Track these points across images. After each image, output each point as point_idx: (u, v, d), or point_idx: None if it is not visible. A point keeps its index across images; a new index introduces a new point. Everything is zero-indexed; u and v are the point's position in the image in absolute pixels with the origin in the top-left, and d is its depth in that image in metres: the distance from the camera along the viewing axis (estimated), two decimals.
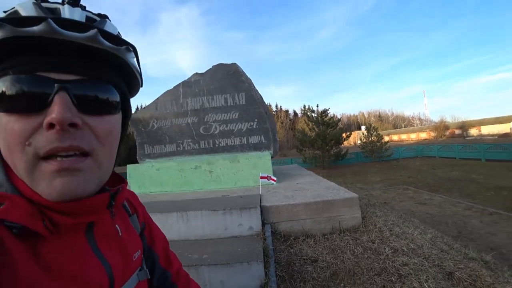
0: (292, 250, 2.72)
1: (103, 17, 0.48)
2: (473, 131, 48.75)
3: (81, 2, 0.46)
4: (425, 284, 2.06)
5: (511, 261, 4.86)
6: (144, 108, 5.58)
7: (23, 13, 0.39)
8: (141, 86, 0.57)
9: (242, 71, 5.27)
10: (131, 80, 0.53)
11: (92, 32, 0.40)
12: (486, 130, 47.01)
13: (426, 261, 2.36)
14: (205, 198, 3.77)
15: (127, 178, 4.87)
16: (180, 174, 4.72)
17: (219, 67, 5.27)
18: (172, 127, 5.31)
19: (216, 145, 5.18)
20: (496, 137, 38.19)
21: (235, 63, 5.25)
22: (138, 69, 0.52)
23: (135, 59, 0.50)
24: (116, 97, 0.47)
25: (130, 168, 4.92)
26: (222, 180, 4.65)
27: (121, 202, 0.59)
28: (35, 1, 0.41)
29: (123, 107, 0.51)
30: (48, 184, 0.39)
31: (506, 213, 7.46)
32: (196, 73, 5.37)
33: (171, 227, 3.05)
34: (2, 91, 0.37)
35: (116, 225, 0.55)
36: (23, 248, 0.38)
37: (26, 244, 0.38)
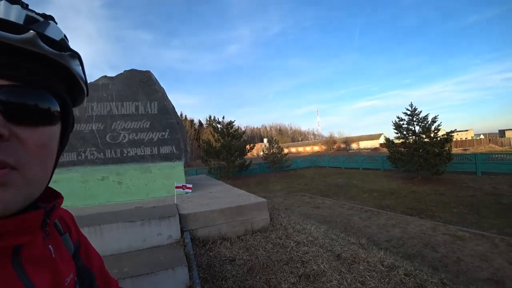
0: (211, 253, 2.93)
1: (48, 18, 0.44)
2: (354, 145, 59.41)
3: None
4: (321, 266, 2.60)
5: (380, 245, 6.26)
6: None
7: None
8: (87, 95, 0.53)
9: (156, 79, 5.21)
10: (74, 89, 0.49)
11: (29, 34, 0.36)
12: (363, 144, 58.17)
13: (321, 248, 2.96)
14: (119, 210, 3.59)
15: None
16: (83, 186, 4.29)
17: (131, 73, 5.07)
18: (72, 133, 4.74)
19: (125, 155, 4.89)
20: (370, 150, 47.29)
21: (149, 71, 5.16)
22: (83, 77, 0.48)
23: (79, 66, 0.47)
24: (55, 106, 0.43)
25: None
26: (133, 192, 4.46)
27: (54, 220, 0.54)
28: None
29: (63, 117, 0.47)
30: None
31: (376, 210, 9.45)
32: (105, 76, 5.02)
33: None
34: None
35: (49, 246, 0.49)
36: None
37: None
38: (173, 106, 5.56)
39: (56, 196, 0.53)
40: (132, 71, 5.09)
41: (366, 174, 19.51)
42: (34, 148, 0.39)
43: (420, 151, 14.82)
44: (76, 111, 4.78)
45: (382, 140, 46.07)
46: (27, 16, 0.39)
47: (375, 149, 48.58)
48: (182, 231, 3.10)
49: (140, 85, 5.02)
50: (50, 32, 0.40)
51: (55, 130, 0.44)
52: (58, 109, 0.44)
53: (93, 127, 4.80)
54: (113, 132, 4.88)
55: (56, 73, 0.43)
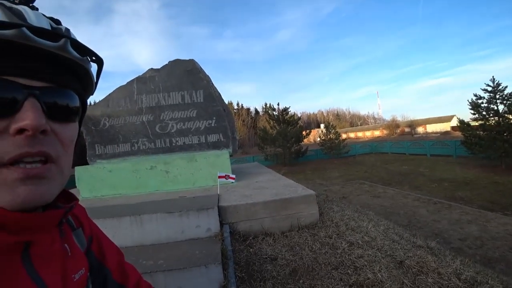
0: (251, 250, 2.69)
1: (59, 23, 0.47)
2: (420, 129, 53.49)
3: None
4: (378, 274, 2.14)
5: (452, 244, 5.37)
6: (94, 104, 5.16)
7: None
8: (92, 94, 0.57)
9: (200, 67, 5.11)
10: (87, 88, 0.53)
11: (62, 41, 0.41)
12: (430, 128, 51.90)
13: (379, 252, 2.48)
14: (161, 200, 3.59)
15: (76, 181, 4.46)
16: (134, 176, 4.44)
17: (176, 63, 5.05)
18: (126, 125, 4.97)
19: (173, 144, 4.96)
20: (439, 134, 42.22)
21: (192, 59, 5.08)
22: (95, 79, 0.53)
23: (93, 68, 0.51)
24: (78, 105, 0.48)
25: (79, 170, 4.51)
26: (179, 181, 4.47)
27: (67, 218, 0.58)
28: (1, 2, 0.38)
29: (81, 115, 0.52)
30: (11, 191, 0.37)
31: (447, 202, 8.23)
32: (152, 68, 5.09)
33: (124, 232, 2.85)
34: None
35: (65, 245, 0.51)
36: None
37: None
38: (219, 93, 5.43)
39: (72, 198, 0.55)
40: (176, 61, 5.07)
41: (435, 161, 17.32)
42: (67, 142, 0.45)
43: (505, 135, 12.47)
44: (128, 104, 4.98)
45: (454, 122, 40.59)
46: (51, 24, 0.43)
47: (446, 132, 43.05)
48: (221, 224, 2.93)
49: (185, 74, 4.97)
50: (74, 38, 0.44)
51: (77, 126, 0.50)
52: (80, 107, 0.49)
53: (144, 119, 4.95)
54: (161, 123, 4.96)
55: (78, 75, 0.48)
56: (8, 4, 0.39)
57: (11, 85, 0.37)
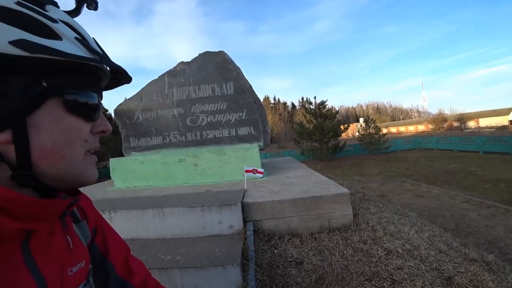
0: (276, 251, 2.49)
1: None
2: (471, 124, 48.50)
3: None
4: None
5: (509, 255, 4.70)
6: (128, 99, 5.28)
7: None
8: None
9: (230, 59, 4.97)
10: None
11: (119, 65, 0.51)
12: (484, 122, 46.78)
13: (423, 264, 2.12)
14: (185, 193, 3.52)
15: (110, 172, 4.62)
16: (164, 168, 4.46)
17: (205, 56, 4.97)
18: (158, 118, 5.03)
19: (204, 137, 4.92)
20: (494, 129, 38.01)
21: (222, 51, 4.95)
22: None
23: None
24: None
25: (113, 161, 4.66)
26: (208, 174, 4.40)
27: (70, 211, 0.60)
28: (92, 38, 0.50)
29: None
30: (92, 170, 0.50)
31: (504, 206, 7.31)
32: (182, 61, 5.07)
33: (147, 224, 2.82)
34: (83, 101, 0.46)
35: (67, 237, 0.54)
36: None
37: None
38: (250, 85, 5.25)
39: (78, 192, 0.57)
40: (206, 54, 4.98)
41: (489, 159, 15.47)
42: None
43: None
44: (160, 98, 5.02)
45: None
46: (98, 45, 0.51)
47: (503, 127, 38.41)
48: (245, 221, 2.76)
49: (215, 66, 4.87)
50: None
51: None
52: None
53: (175, 112, 4.97)
54: (192, 116, 4.94)
55: None
56: (80, 37, 0.46)
57: (97, 99, 0.49)
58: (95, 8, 0.55)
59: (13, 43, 0.37)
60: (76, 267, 0.53)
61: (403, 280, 1.94)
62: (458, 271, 2.03)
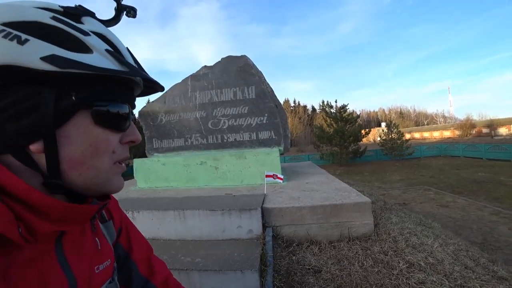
0: (294, 258, 2.49)
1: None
2: (503, 130, 45.70)
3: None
4: None
5: None
6: (153, 101, 5.45)
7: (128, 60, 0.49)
8: None
9: (252, 63, 5.02)
10: None
11: (150, 77, 0.51)
12: None
13: (447, 280, 2.05)
14: (206, 196, 3.59)
15: (134, 172, 4.79)
16: (185, 170, 4.57)
17: (228, 60, 5.05)
18: (181, 121, 5.16)
19: (225, 141, 4.99)
20: None
21: (244, 55, 5.01)
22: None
23: None
24: None
25: (136, 162, 4.83)
26: (228, 177, 4.47)
27: (100, 214, 0.64)
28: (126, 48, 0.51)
29: None
30: (118, 179, 0.51)
31: None
32: (205, 66, 5.18)
33: (168, 225, 2.91)
34: (112, 113, 0.46)
35: (96, 238, 0.57)
36: None
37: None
38: (272, 89, 5.29)
39: (108, 197, 0.58)
40: (229, 58, 5.06)
41: None
42: None
43: None
44: (182, 101, 5.16)
45: None
46: (133, 56, 0.53)
47: None
48: (264, 227, 2.78)
49: (237, 70, 4.94)
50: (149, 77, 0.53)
51: None
52: None
53: (197, 115, 5.08)
54: (214, 119, 5.03)
55: None
56: (114, 52, 0.46)
57: (129, 110, 0.50)
58: (134, 16, 0.55)
59: (44, 59, 0.38)
60: (103, 265, 0.56)
61: None
62: None
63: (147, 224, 2.91)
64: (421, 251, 2.46)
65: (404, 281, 2.05)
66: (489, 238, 5.84)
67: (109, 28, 0.51)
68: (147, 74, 0.50)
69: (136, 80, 0.50)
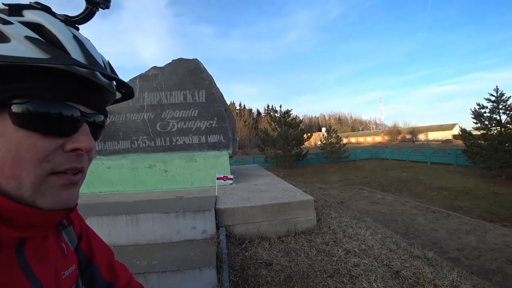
0: (247, 254, 2.67)
1: (106, 62, 0.53)
2: (421, 136, 53.25)
3: None
4: (374, 284, 2.12)
5: (449, 254, 5.34)
6: None
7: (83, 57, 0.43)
8: None
9: (204, 67, 5.09)
10: None
11: (113, 82, 0.50)
12: (432, 135, 51.70)
13: (376, 261, 2.45)
14: (158, 199, 3.56)
15: None
16: (133, 173, 4.42)
17: (179, 62, 5.04)
18: (127, 122, 4.95)
19: (173, 143, 4.95)
20: (440, 142, 42.07)
21: (196, 59, 5.06)
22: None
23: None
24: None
25: None
26: (178, 180, 4.45)
27: (62, 219, 0.60)
28: (85, 44, 0.45)
29: None
30: (55, 195, 0.43)
31: (446, 211, 8.21)
32: (155, 66, 5.08)
33: (120, 230, 2.82)
34: (33, 112, 0.39)
35: (62, 244, 0.55)
36: None
37: None
38: (221, 94, 5.41)
39: None
40: (180, 60, 5.05)
41: (435, 169, 17.30)
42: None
43: (506, 145, 12.45)
44: (129, 101, 4.96)
45: (456, 131, 40.46)
46: (103, 59, 0.49)
47: (447, 141, 42.87)
48: (217, 227, 2.90)
49: (188, 73, 4.96)
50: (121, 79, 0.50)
51: None
52: None
53: (145, 116, 4.94)
54: (163, 121, 4.95)
55: (108, 101, 0.54)
56: (79, 39, 0.45)
57: (74, 111, 0.43)
58: (107, 6, 0.50)
59: None
60: (68, 271, 0.54)
61: (359, 275, 2.24)
62: (404, 266, 2.39)
63: (95, 231, 2.78)
64: (355, 240, 2.86)
65: (343, 265, 2.38)
66: (410, 228, 6.82)
67: (83, 25, 0.50)
68: (93, 67, 0.43)
69: (99, 81, 0.45)
